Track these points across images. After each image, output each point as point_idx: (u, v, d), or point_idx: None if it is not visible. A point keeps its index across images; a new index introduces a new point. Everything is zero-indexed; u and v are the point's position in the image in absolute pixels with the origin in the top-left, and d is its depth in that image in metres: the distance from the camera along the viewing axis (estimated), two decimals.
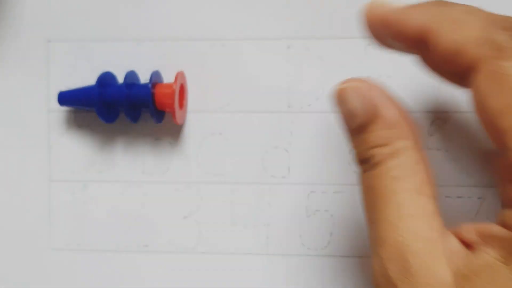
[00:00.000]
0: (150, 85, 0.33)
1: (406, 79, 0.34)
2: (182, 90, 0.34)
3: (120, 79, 0.35)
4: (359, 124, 0.23)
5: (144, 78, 0.36)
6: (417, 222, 0.21)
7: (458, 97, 0.34)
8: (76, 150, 0.36)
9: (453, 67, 0.22)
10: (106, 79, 0.34)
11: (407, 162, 0.22)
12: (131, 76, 0.34)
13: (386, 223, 0.21)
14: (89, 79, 0.36)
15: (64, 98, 0.34)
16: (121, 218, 0.36)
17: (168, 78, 0.35)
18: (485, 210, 0.34)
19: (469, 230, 0.22)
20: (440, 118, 0.34)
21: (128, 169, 0.36)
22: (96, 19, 0.36)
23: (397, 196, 0.21)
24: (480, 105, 0.20)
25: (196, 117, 0.35)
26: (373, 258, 0.22)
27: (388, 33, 0.24)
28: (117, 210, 0.36)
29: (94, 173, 0.36)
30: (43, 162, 0.36)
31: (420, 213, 0.21)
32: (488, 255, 0.20)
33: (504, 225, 0.21)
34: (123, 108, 0.34)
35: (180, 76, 0.34)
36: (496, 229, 0.21)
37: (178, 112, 0.34)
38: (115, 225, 0.36)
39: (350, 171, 0.35)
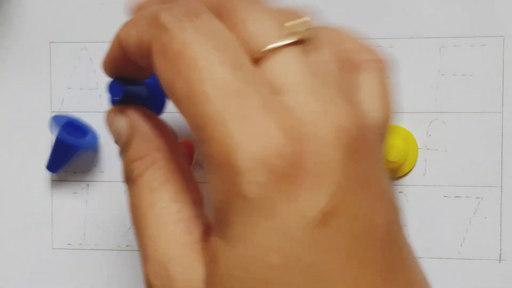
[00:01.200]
0: None
1: (406, 79, 0.34)
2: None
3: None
4: (124, 141, 0.23)
5: None
6: (173, 229, 0.21)
7: (458, 97, 0.34)
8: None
9: (142, 59, 0.22)
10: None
11: (161, 172, 0.22)
12: None
13: (148, 238, 0.21)
14: (91, 80, 0.36)
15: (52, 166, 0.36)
16: (123, 218, 0.36)
17: None
18: (484, 209, 0.34)
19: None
20: (439, 118, 0.34)
21: None
22: (98, 20, 0.36)
23: (155, 208, 0.21)
24: (165, 87, 0.20)
25: None
26: (143, 278, 0.22)
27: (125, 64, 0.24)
28: (118, 210, 0.36)
29: (96, 173, 0.36)
30: (45, 162, 0.36)
31: (176, 220, 0.21)
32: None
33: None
34: None
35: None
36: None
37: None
38: (117, 224, 0.36)
39: None
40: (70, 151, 0.35)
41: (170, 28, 0.20)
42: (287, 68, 0.19)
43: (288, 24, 0.20)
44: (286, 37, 0.20)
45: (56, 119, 0.35)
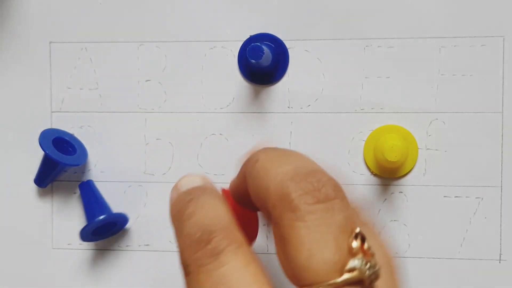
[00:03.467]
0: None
1: (406, 79, 0.34)
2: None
3: (122, 79, 0.36)
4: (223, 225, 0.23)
5: (144, 79, 0.36)
6: None
7: (458, 97, 0.34)
8: None
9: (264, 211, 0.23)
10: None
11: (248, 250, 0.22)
12: None
13: None
14: (91, 80, 0.36)
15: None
16: None
17: (167, 78, 0.36)
18: (483, 209, 0.34)
19: None
20: (439, 118, 0.34)
21: (129, 169, 0.36)
22: (97, 21, 0.36)
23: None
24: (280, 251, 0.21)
25: (196, 117, 0.36)
26: None
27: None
28: (118, 210, 0.36)
29: (96, 173, 0.36)
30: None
31: None
32: None
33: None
34: None
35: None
36: None
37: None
38: None
39: (350, 171, 0.35)
40: (58, 167, 0.35)
41: (299, 209, 0.20)
42: None
43: (351, 263, 0.20)
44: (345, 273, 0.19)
45: (46, 133, 0.35)
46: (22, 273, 0.37)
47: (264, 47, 0.32)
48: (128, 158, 0.36)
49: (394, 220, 0.34)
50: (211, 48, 0.35)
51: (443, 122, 0.34)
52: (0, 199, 0.37)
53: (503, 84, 0.34)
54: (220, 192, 0.25)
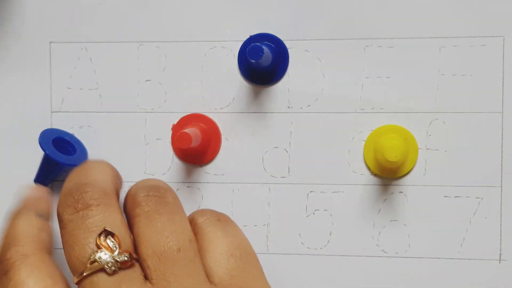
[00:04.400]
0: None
1: (406, 79, 0.34)
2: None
3: (122, 79, 0.36)
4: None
5: (144, 79, 0.36)
6: None
7: (458, 97, 0.34)
8: None
9: None
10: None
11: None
12: None
13: None
14: (91, 80, 0.36)
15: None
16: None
17: (167, 78, 0.36)
18: (484, 210, 0.34)
19: None
20: (439, 118, 0.34)
21: (129, 169, 0.36)
22: (97, 20, 0.36)
23: None
24: None
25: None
26: None
27: None
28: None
29: None
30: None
31: None
32: None
33: None
34: None
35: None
36: None
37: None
38: None
39: (350, 171, 0.35)
40: (58, 167, 0.35)
41: (61, 220, 0.27)
42: None
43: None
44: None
45: (46, 133, 0.35)
46: None
47: (264, 47, 0.32)
48: (128, 158, 0.36)
49: (394, 220, 0.34)
50: (211, 48, 0.35)
51: (443, 122, 0.34)
52: (0, 199, 0.37)
53: (503, 84, 0.34)
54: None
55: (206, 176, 0.36)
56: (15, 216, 0.29)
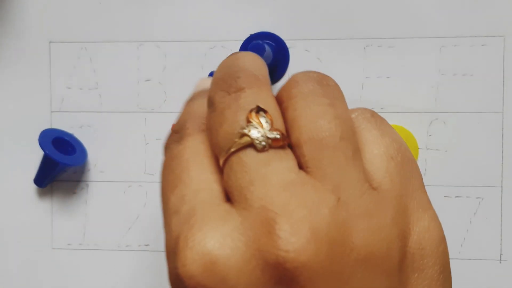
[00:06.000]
0: None
1: (406, 79, 0.34)
2: None
3: (122, 79, 0.36)
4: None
5: (144, 78, 0.36)
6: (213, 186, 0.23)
7: (458, 97, 0.34)
8: None
9: None
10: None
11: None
12: None
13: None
14: (90, 80, 0.36)
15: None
16: (123, 218, 0.36)
17: (167, 78, 0.36)
18: (484, 209, 0.34)
19: None
20: (440, 118, 0.34)
21: (129, 169, 0.36)
22: (97, 20, 0.36)
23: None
24: None
25: None
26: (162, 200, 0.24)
27: None
28: (118, 210, 0.36)
29: (96, 173, 0.36)
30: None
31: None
32: None
33: None
34: None
35: None
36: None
37: None
38: (117, 224, 0.36)
39: None
40: (58, 167, 0.35)
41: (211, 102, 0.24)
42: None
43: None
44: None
45: (46, 133, 0.35)
46: (22, 273, 0.37)
47: (265, 45, 0.31)
48: (128, 158, 0.36)
49: None
50: (211, 48, 0.35)
51: (443, 122, 0.34)
52: (0, 199, 0.37)
53: (503, 84, 0.34)
54: None
55: None
56: (191, 99, 0.27)
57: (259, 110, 0.22)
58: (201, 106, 0.25)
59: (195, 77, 0.36)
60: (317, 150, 0.21)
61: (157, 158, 0.36)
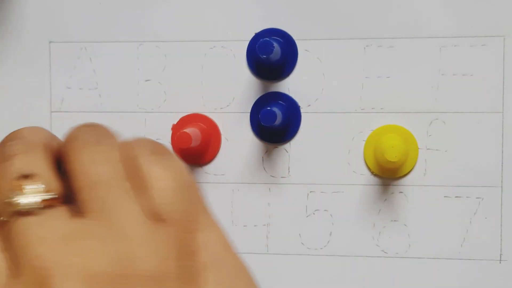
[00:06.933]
0: None
1: (406, 79, 0.34)
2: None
3: (121, 79, 0.36)
4: None
5: (144, 78, 0.36)
6: None
7: (458, 97, 0.34)
8: None
9: None
10: None
11: None
12: None
13: None
14: (90, 80, 0.36)
15: None
16: None
17: (167, 78, 0.36)
18: (484, 210, 0.34)
19: None
20: (440, 118, 0.34)
21: None
22: (97, 20, 0.36)
23: None
24: None
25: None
26: None
27: None
28: None
29: None
30: None
31: None
32: None
33: None
34: None
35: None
36: None
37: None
38: None
39: (350, 171, 0.35)
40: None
41: None
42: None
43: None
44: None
45: None
46: None
47: (273, 42, 0.31)
48: None
49: (394, 220, 0.34)
50: (211, 48, 0.35)
51: (443, 122, 0.34)
52: None
53: (503, 84, 0.34)
54: None
55: (206, 176, 0.36)
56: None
57: (28, 175, 0.23)
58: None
59: (195, 77, 0.36)
60: (94, 192, 0.23)
61: None
